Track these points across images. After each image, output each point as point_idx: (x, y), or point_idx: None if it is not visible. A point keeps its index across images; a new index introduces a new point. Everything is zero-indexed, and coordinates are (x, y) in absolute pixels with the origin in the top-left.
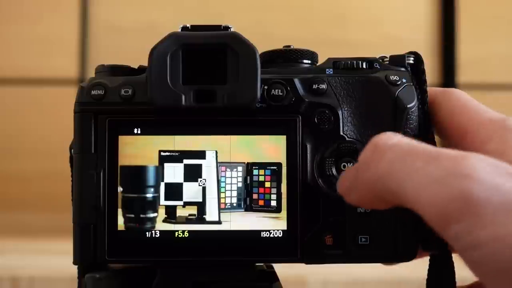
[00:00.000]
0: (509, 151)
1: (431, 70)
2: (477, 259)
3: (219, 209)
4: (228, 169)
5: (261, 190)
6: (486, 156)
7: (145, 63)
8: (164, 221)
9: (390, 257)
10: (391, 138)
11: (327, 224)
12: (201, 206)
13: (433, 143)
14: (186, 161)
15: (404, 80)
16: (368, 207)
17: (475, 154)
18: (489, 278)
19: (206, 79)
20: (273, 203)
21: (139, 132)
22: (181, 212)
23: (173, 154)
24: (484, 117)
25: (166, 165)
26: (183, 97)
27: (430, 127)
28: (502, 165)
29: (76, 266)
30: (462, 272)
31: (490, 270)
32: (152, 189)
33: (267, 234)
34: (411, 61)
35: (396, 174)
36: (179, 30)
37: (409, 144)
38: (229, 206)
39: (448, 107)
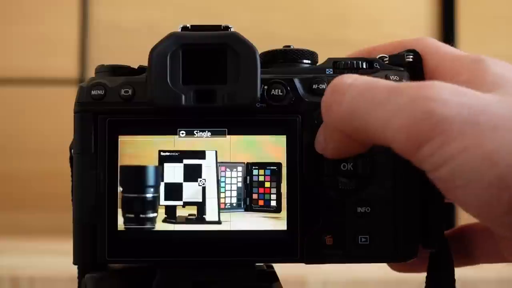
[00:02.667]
0: (476, 79)
1: None
2: (447, 174)
3: (219, 209)
4: (228, 169)
5: (261, 190)
6: (447, 83)
7: (145, 63)
8: (164, 221)
9: (390, 257)
10: (348, 78)
11: (327, 224)
12: (201, 206)
13: None
14: (186, 161)
15: (404, 80)
16: (347, 155)
17: (435, 81)
18: (459, 192)
19: (206, 79)
20: (273, 203)
21: (139, 132)
22: (181, 212)
23: (173, 154)
24: (453, 55)
25: (166, 165)
26: (183, 97)
27: None
28: (463, 88)
29: (76, 266)
30: (462, 272)
31: (460, 183)
32: (152, 189)
33: (267, 234)
34: (410, 59)
35: (359, 111)
36: (179, 30)
37: (366, 80)
38: (229, 206)
39: (421, 52)
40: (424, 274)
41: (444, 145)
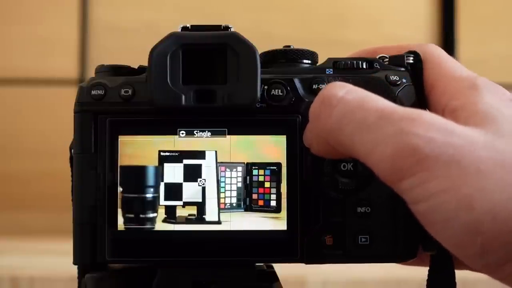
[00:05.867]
0: (468, 107)
1: None
2: (426, 210)
3: (219, 209)
4: (228, 169)
5: (261, 190)
6: (437, 115)
7: (145, 63)
8: (164, 221)
9: (390, 257)
10: (340, 89)
11: (327, 224)
12: (200, 206)
13: None
14: (186, 161)
15: (404, 80)
16: (330, 157)
17: (426, 112)
18: (435, 227)
19: (206, 79)
20: (273, 203)
21: (139, 132)
22: (180, 212)
23: (173, 154)
24: (456, 75)
25: (166, 165)
26: (183, 97)
27: None
28: (452, 125)
29: (76, 266)
30: (462, 272)
31: (437, 220)
32: (152, 189)
33: (267, 234)
34: (411, 61)
35: (346, 129)
36: (179, 30)
37: (358, 96)
38: (229, 206)
39: (424, 58)
40: (424, 274)
41: (424, 182)
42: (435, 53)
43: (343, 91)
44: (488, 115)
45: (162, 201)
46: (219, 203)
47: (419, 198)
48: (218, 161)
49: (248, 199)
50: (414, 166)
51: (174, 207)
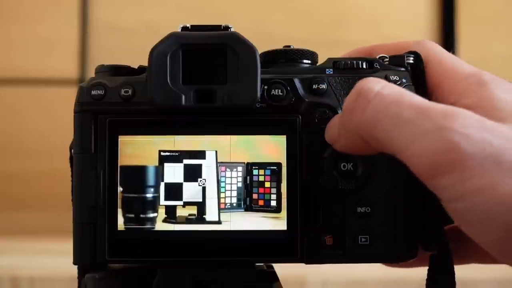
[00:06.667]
0: (484, 104)
1: None
2: (461, 209)
3: (219, 209)
4: (228, 169)
5: (261, 190)
6: (472, 112)
7: (145, 63)
8: (164, 221)
9: (390, 257)
10: (376, 84)
11: (327, 224)
12: (201, 206)
13: None
14: (186, 161)
15: (404, 80)
16: (355, 153)
17: (462, 109)
18: (472, 227)
19: (206, 79)
20: (273, 203)
21: (139, 132)
22: (181, 212)
23: (173, 154)
24: (460, 71)
25: (166, 165)
26: (183, 97)
27: None
28: (489, 122)
29: (76, 266)
30: (462, 272)
31: (474, 219)
32: (152, 189)
33: (267, 234)
34: (411, 61)
35: (382, 123)
36: (179, 30)
37: (394, 92)
38: (229, 206)
39: (424, 57)
40: (424, 274)
41: (462, 181)
42: (435, 50)
43: (380, 86)
44: (508, 111)
45: (162, 201)
46: (219, 203)
47: (456, 197)
48: (218, 161)
49: (248, 199)
50: (452, 163)
51: (174, 207)
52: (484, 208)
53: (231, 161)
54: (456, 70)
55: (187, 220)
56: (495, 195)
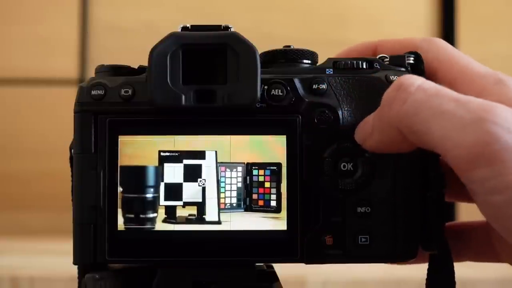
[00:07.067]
0: (506, 103)
1: None
2: (498, 203)
3: (219, 209)
4: (228, 169)
5: (261, 190)
6: (507, 107)
7: (145, 63)
8: (164, 221)
9: (390, 257)
10: (417, 79)
11: (327, 224)
12: (200, 206)
13: None
14: (186, 161)
15: None
16: (387, 150)
17: (500, 104)
18: (506, 221)
19: (206, 79)
20: (273, 203)
21: (139, 132)
22: (181, 212)
23: (173, 154)
24: (475, 71)
25: (166, 165)
26: (183, 97)
27: None
28: None
29: (76, 266)
30: (462, 272)
31: (510, 214)
32: (152, 189)
33: (267, 234)
34: (411, 61)
35: (422, 114)
36: (179, 30)
37: (435, 86)
38: (229, 206)
39: (434, 55)
40: (424, 274)
41: (502, 174)
42: (447, 49)
43: (421, 81)
44: None
45: (162, 201)
46: (219, 203)
47: (494, 190)
48: (218, 161)
49: (248, 199)
50: (492, 155)
51: (174, 207)
52: None
53: (231, 161)
54: (471, 69)
55: (187, 220)
56: None
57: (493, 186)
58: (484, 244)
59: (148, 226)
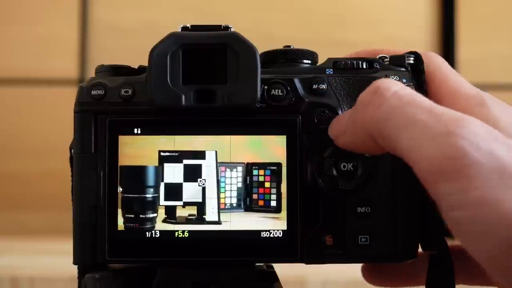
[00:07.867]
0: (489, 123)
1: None
2: (460, 219)
3: (219, 209)
4: (228, 169)
5: (261, 190)
6: (481, 121)
7: (145, 63)
8: (164, 221)
9: (390, 257)
10: (394, 85)
11: (327, 224)
12: (200, 206)
13: None
14: (186, 161)
15: (404, 80)
16: (358, 150)
17: (474, 118)
18: (469, 238)
19: (206, 79)
20: (273, 203)
21: (139, 132)
22: (180, 212)
23: (173, 154)
24: (463, 92)
25: (166, 165)
26: (183, 97)
27: None
28: (498, 134)
29: (76, 266)
30: None
31: (472, 231)
32: (152, 189)
33: (267, 234)
34: (411, 61)
35: (394, 122)
36: (179, 30)
37: (411, 94)
38: (229, 206)
39: (430, 70)
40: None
41: (465, 190)
42: (442, 67)
43: (398, 87)
44: (511, 131)
45: (162, 201)
46: (219, 203)
47: (457, 206)
48: (218, 161)
49: (248, 199)
50: (457, 170)
51: (174, 207)
52: (485, 221)
53: (231, 161)
54: (459, 90)
55: (187, 220)
56: (497, 210)
57: (456, 201)
58: (475, 266)
59: (148, 226)
